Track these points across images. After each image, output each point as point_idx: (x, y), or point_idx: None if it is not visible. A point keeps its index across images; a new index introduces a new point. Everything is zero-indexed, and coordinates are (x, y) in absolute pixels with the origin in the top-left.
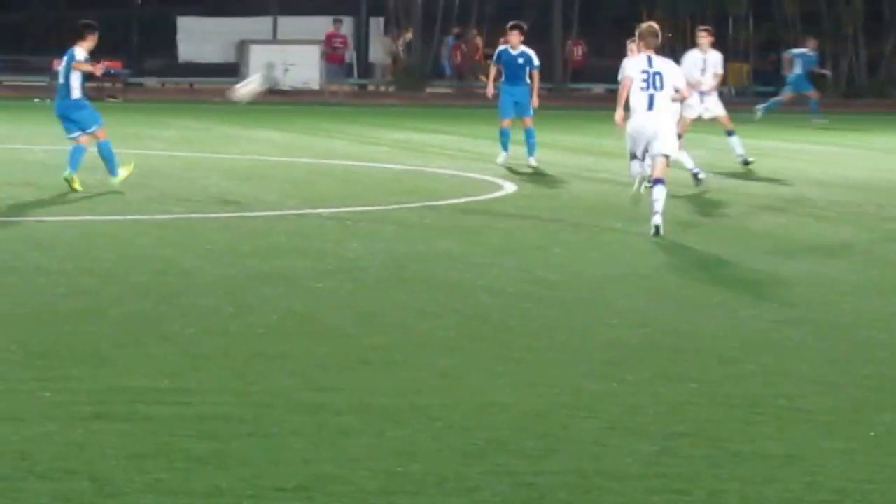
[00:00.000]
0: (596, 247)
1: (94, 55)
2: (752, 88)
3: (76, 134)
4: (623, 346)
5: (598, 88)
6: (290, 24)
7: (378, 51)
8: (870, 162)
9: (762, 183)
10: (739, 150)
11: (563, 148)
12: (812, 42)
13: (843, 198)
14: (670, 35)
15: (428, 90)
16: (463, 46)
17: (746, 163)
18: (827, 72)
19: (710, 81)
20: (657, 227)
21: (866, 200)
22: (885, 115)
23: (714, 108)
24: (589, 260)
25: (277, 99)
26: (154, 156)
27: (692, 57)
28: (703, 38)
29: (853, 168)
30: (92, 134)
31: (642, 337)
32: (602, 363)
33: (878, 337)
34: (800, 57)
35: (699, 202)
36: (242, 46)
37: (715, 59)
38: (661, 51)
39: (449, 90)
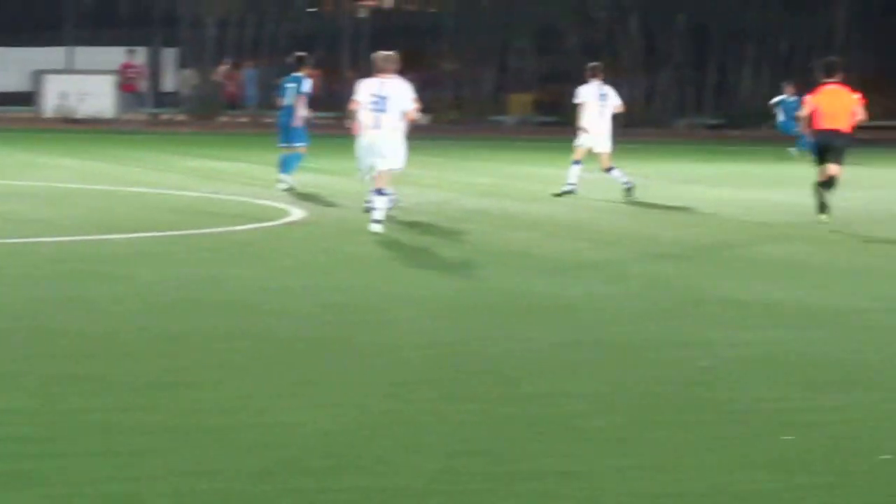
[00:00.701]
0: (382, 269)
1: None
2: (534, 118)
3: None
4: (408, 367)
5: None
6: (85, 55)
7: (173, 81)
8: (643, 190)
9: (549, 208)
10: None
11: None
12: (790, 88)
13: (620, 224)
14: (456, 68)
15: (223, 119)
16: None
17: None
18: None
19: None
20: (375, 233)
21: (643, 226)
22: (660, 143)
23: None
24: (375, 282)
25: (73, 128)
26: None
27: None
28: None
29: (630, 196)
30: None
31: (427, 358)
32: (388, 384)
33: (653, 357)
34: (780, 104)
35: (488, 227)
36: (38, 76)
37: None
38: (442, 81)
39: (245, 119)
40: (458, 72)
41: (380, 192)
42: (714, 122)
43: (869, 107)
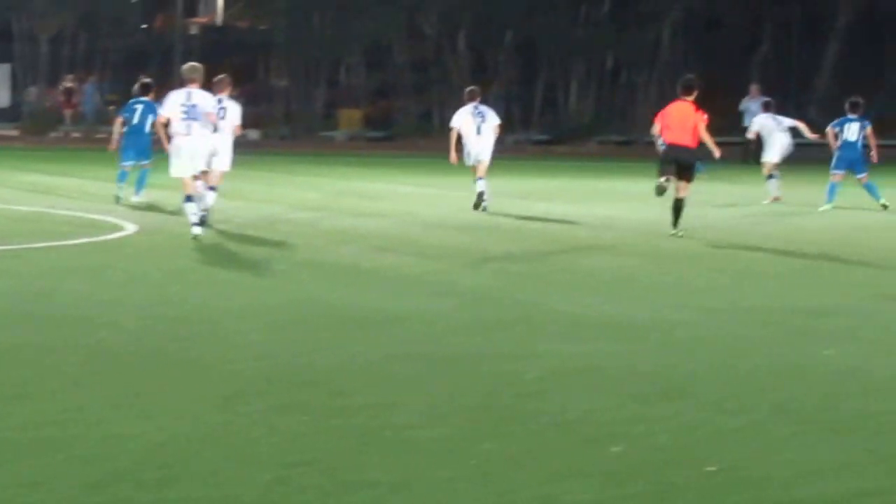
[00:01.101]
0: (213, 283)
1: None
2: (364, 133)
3: None
4: (241, 379)
5: None
6: None
7: (6, 96)
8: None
9: (377, 223)
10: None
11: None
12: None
13: (448, 240)
14: (285, 83)
15: (57, 134)
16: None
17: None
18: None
19: None
20: (195, 236)
21: (473, 240)
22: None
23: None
24: (207, 295)
25: None
26: None
27: None
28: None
29: (458, 210)
30: None
31: (259, 370)
32: (220, 396)
33: (483, 370)
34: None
35: (319, 242)
36: None
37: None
38: (273, 96)
39: (78, 134)
40: (288, 87)
41: (189, 199)
42: (541, 137)
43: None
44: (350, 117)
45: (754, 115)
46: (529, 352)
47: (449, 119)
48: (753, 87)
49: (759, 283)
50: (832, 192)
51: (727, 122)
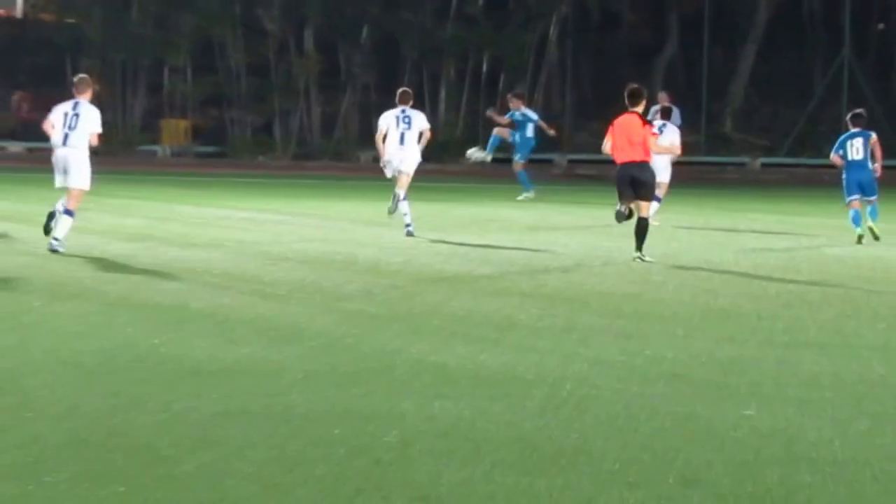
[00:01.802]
0: (12, 329)
1: None
2: (192, 149)
3: None
4: (43, 443)
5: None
6: None
7: None
8: (324, 232)
9: (207, 255)
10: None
11: None
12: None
13: (294, 275)
14: (97, 87)
15: None
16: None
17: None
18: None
19: None
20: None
21: (324, 276)
22: (340, 179)
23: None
24: (4, 346)
25: None
26: None
27: None
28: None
29: (306, 240)
30: None
31: (66, 431)
32: (18, 464)
33: (335, 432)
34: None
35: (137, 277)
36: None
37: None
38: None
39: None
40: (101, 93)
41: (68, 212)
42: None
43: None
44: (175, 129)
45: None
46: (391, 410)
47: (291, 130)
48: (662, 96)
49: (666, 327)
50: (856, 220)
51: None
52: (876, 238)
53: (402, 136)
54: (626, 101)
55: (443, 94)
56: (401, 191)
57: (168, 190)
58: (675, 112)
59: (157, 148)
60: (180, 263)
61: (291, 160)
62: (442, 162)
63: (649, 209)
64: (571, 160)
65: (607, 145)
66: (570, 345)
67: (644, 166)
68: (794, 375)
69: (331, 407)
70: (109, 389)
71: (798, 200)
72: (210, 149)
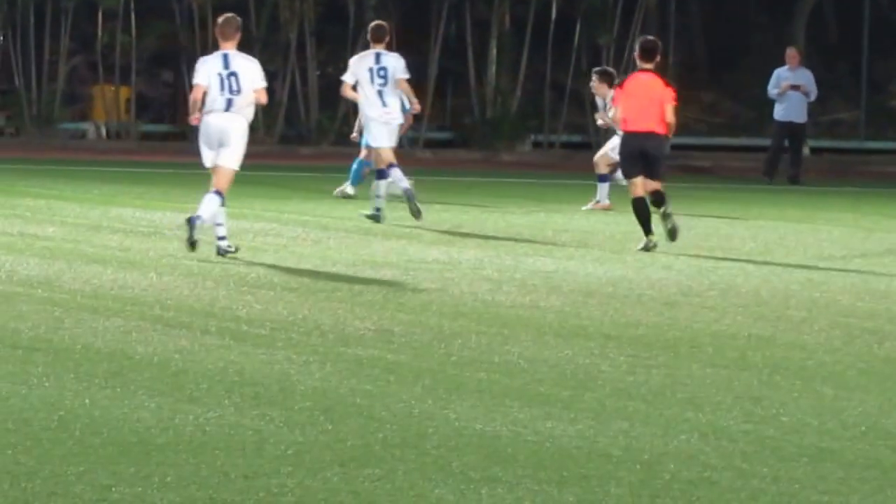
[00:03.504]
0: None
1: None
2: (135, 127)
3: None
4: None
5: None
6: None
7: None
8: (323, 248)
9: (150, 278)
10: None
11: None
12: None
13: (279, 308)
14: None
15: None
16: None
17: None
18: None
19: None
20: None
21: (318, 311)
22: (346, 172)
23: None
24: None
25: None
26: None
27: None
28: None
29: (297, 259)
30: None
31: None
32: None
33: None
34: None
35: (57, 309)
36: None
37: None
38: None
39: None
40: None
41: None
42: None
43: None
44: (111, 100)
45: None
46: (419, 502)
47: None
48: (790, 53)
49: (810, 384)
50: None
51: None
52: None
53: (379, 94)
54: (638, 58)
55: (493, 50)
56: (390, 169)
57: (102, 186)
58: (807, 76)
59: (86, 126)
60: (119, 291)
61: (278, 145)
62: (490, 149)
63: (653, 187)
64: (677, 145)
65: (617, 113)
66: (674, 408)
67: (656, 138)
68: None
69: (332, 495)
70: (22, 469)
71: None
72: (160, 127)
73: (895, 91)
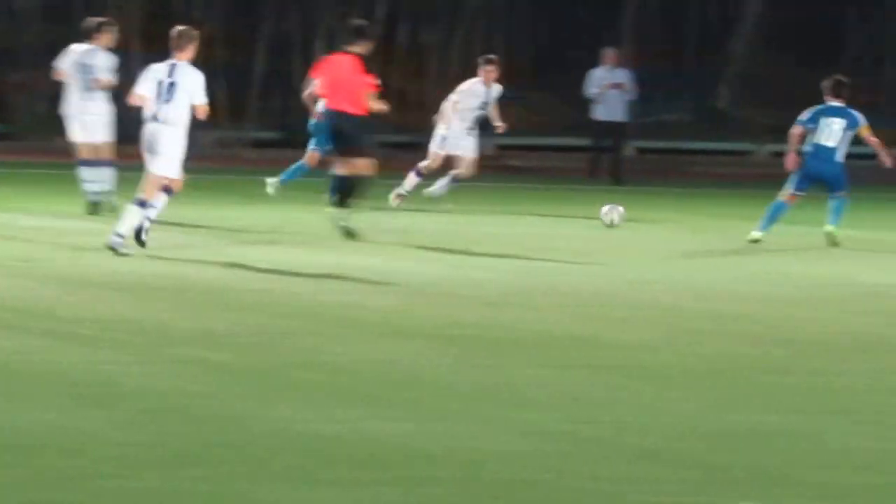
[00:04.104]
0: None
1: None
2: None
3: None
4: None
5: None
6: None
7: None
8: (165, 249)
9: None
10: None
11: None
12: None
13: (103, 308)
14: None
15: None
16: None
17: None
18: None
19: None
20: None
21: (143, 311)
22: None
23: None
24: None
25: None
26: None
27: None
28: None
29: (136, 260)
30: None
31: None
32: None
33: None
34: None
35: None
36: None
37: None
38: None
39: None
40: None
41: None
42: None
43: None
44: None
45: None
46: (240, 502)
47: None
48: (609, 54)
49: (631, 384)
50: (773, 215)
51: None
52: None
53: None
54: (348, 41)
55: (318, 50)
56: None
57: None
58: (626, 75)
59: None
60: None
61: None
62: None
63: (356, 168)
64: (503, 145)
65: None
66: (496, 408)
67: (350, 118)
68: (813, 455)
69: (153, 496)
70: None
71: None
72: None
73: (720, 92)
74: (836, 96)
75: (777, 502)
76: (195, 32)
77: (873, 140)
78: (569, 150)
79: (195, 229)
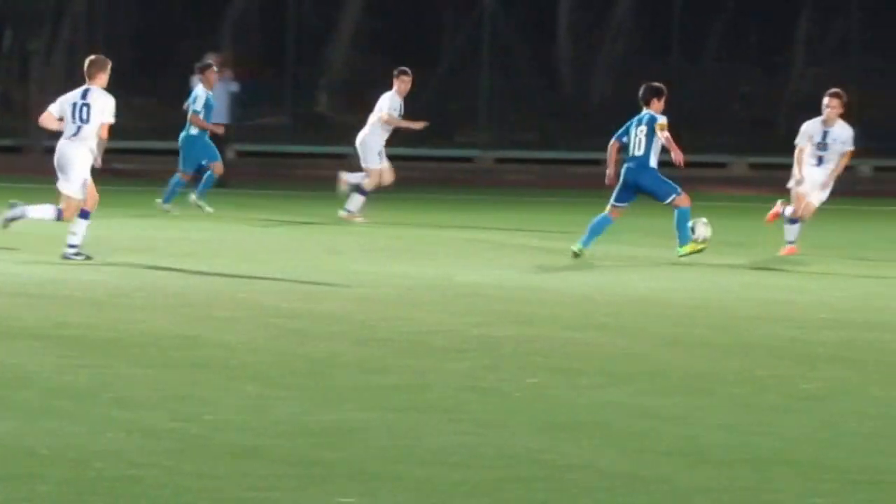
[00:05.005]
0: None
1: None
2: None
3: None
4: None
5: None
6: None
7: None
8: None
9: None
10: None
11: None
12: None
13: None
14: None
15: None
16: None
17: None
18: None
19: None
20: None
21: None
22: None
23: None
24: None
25: None
26: None
27: None
28: None
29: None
30: None
31: None
32: None
33: None
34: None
35: None
36: None
37: None
38: None
39: None
40: None
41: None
42: None
43: None
44: None
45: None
46: None
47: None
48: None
49: (233, 382)
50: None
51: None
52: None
53: (78, 130)
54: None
55: None
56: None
57: None
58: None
59: None
60: None
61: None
62: None
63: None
64: (108, 150)
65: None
66: (102, 407)
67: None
68: (412, 452)
69: None
70: None
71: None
72: None
73: (319, 97)
74: (646, 104)
75: (375, 498)
76: (108, 63)
77: (664, 134)
78: (174, 153)
79: None
